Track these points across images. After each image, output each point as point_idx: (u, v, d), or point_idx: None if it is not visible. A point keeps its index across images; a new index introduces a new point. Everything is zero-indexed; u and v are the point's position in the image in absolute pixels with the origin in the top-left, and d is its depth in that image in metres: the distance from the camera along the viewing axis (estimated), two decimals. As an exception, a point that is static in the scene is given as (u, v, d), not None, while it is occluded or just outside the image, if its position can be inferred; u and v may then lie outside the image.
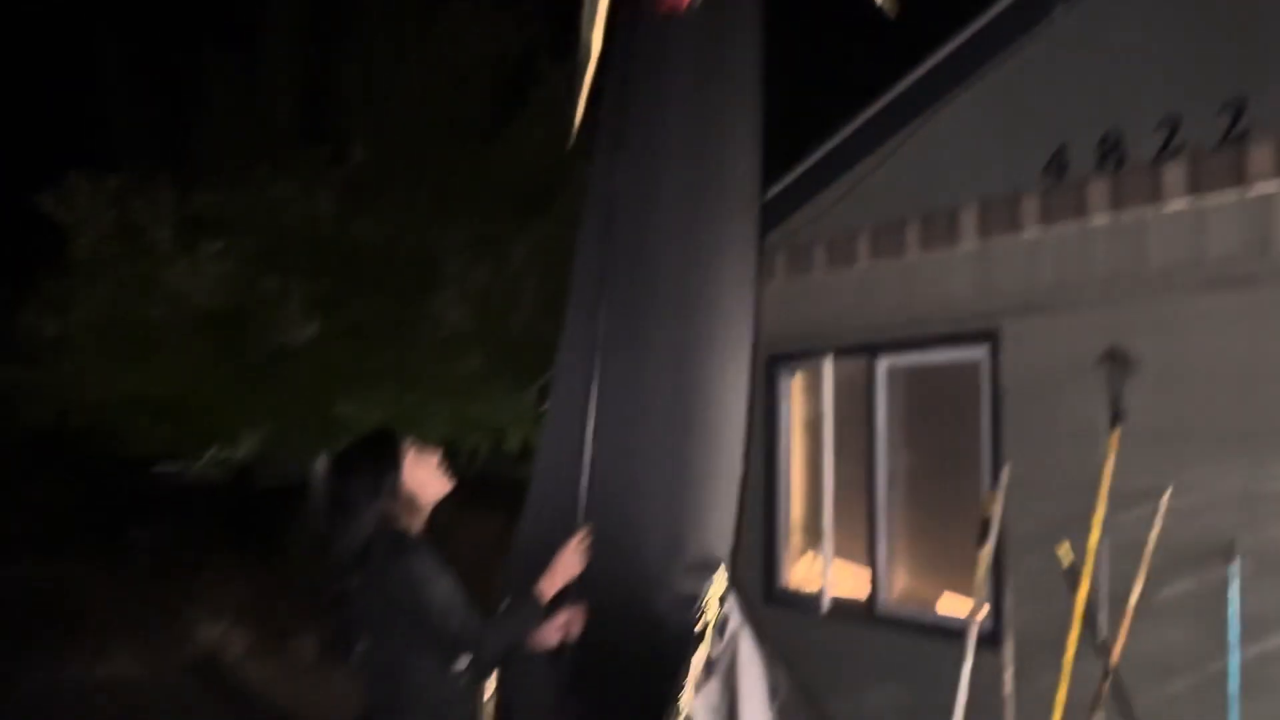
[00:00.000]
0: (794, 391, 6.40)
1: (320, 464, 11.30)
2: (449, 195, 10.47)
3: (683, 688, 3.07)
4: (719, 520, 3.34)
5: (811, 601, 5.84)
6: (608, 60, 3.47)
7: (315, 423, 9.91)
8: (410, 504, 2.82)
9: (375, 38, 10.64)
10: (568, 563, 3.05)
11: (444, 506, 3.14)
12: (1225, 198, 3.79)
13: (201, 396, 9.35)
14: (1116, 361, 4.32)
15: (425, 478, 2.85)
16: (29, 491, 16.66)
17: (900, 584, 5.64)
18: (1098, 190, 4.17)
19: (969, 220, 4.62)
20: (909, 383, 5.62)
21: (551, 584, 3.01)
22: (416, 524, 2.85)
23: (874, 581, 5.61)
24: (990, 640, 4.77)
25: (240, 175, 9.26)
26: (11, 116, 14.98)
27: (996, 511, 4.73)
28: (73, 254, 8.92)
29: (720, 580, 3.25)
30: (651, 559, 3.21)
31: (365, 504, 2.75)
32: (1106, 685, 4.14)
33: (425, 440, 3.02)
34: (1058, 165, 4.60)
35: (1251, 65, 4.05)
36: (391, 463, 2.81)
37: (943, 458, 5.48)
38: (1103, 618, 4.29)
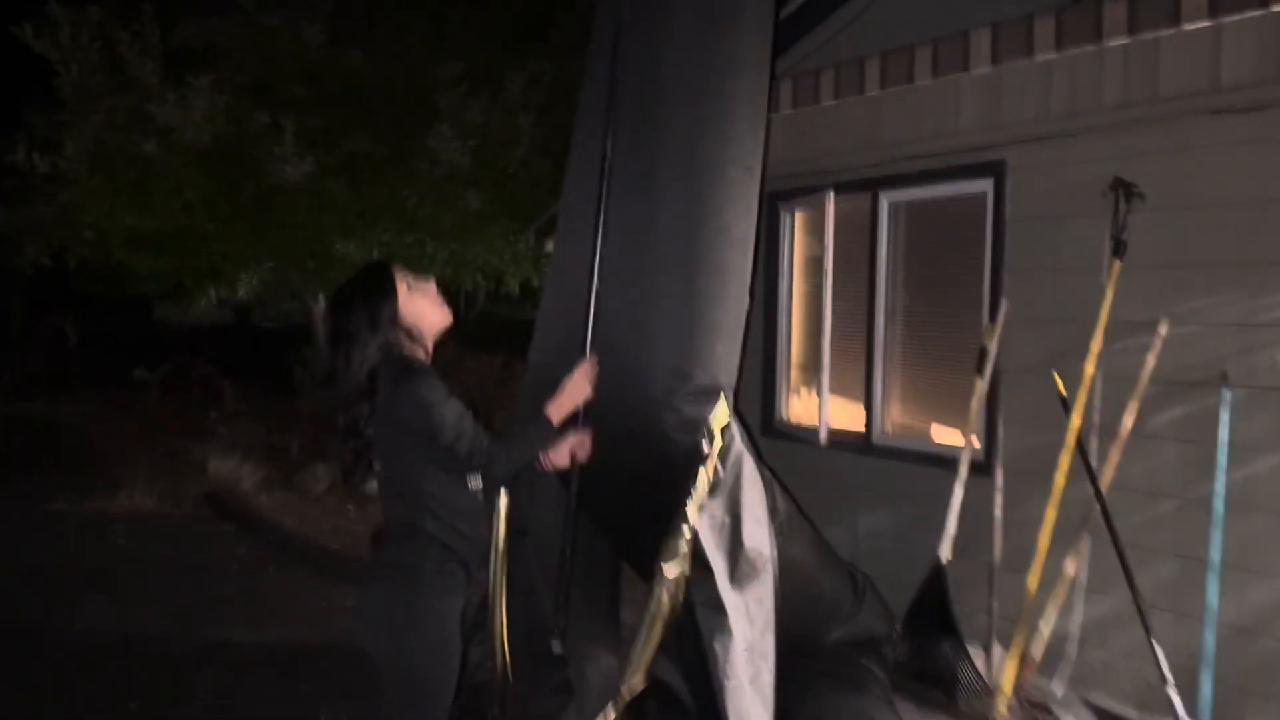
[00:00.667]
0: (796, 228, 6.37)
1: (321, 303, 11.35)
2: (443, 25, 10.16)
3: (688, 507, 3.17)
4: (724, 350, 3.40)
5: (809, 433, 5.96)
6: None
7: (314, 262, 9.89)
8: (411, 333, 2.85)
9: None
10: (576, 388, 3.11)
11: (446, 346, 3.17)
12: (1245, 16, 3.68)
13: (199, 234, 9.30)
14: (1122, 191, 4.30)
15: (423, 306, 2.87)
16: (35, 334, 16.80)
17: (896, 416, 5.75)
18: (1114, 10, 4.04)
19: (981, 43, 4.49)
20: (912, 218, 5.59)
21: (560, 408, 3.07)
22: (419, 355, 2.89)
23: (870, 413, 5.72)
24: (983, 468, 4.92)
25: (227, 5, 8.95)
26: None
27: (994, 343, 4.79)
28: (59, 89, 8.70)
29: (724, 407, 3.33)
30: (658, 385, 3.27)
31: (366, 335, 2.79)
32: (1095, 509, 4.28)
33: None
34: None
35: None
36: (388, 292, 2.83)
37: (943, 293, 5.50)
38: (1094, 445, 4.40)
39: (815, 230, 6.11)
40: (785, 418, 6.42)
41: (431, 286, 2.94)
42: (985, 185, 4.99)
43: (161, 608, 6.20)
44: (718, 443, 3.27)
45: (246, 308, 14.85)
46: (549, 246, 8.38)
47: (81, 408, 14.88)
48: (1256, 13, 3.59)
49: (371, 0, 9.76)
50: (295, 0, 9.30)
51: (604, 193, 3.41)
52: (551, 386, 3.25)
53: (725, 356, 3.42)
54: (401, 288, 2.85)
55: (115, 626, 5.82)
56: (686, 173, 3.43)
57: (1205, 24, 3.82)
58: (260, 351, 17.05)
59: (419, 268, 10.03)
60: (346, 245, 9.45)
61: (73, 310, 16.28)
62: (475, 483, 2.87)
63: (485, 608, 3.50)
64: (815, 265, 6.10)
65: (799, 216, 6.31)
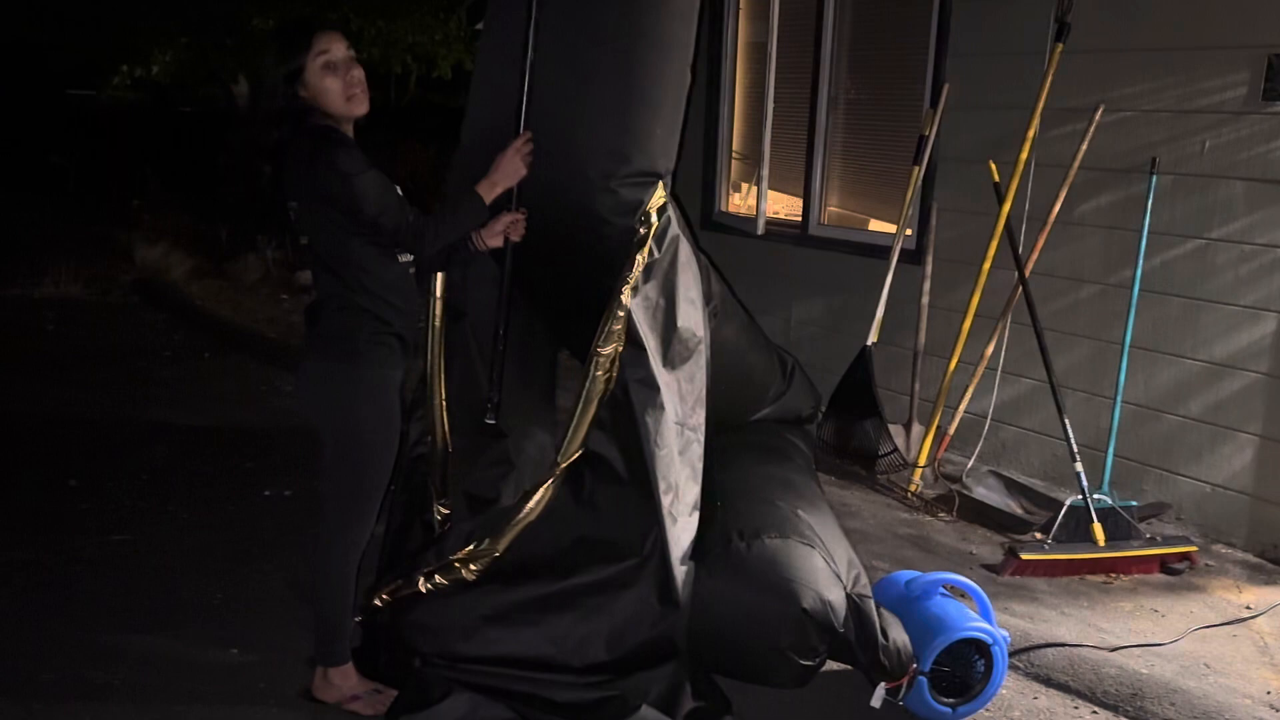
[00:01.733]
0: (741, 8, 6.17)
1: (242, 84, 10.84)
2: None
3: (623, 288, 3.18)
4: (662, 134, 3.32)
5: (747, 223, 5.98)
6: None
7: (232, 40, 9.37)
8: (316, 104, 2.73)
9: None
10: (509, 165, 3.04)
11: (376, 133, 3.05)
12: None
13: (111, 8, 8.70)
14: (1069, -27, 4.21)
15: (328, 84, 2.72)
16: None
17: (834, 206, 5.78)
18: None
19: None
20: (858, 3, 5.44)
21: (493, 185, 3.02)
22: (345, 125, 2.78)
23: (808, 204, 5.74)
24: (915, 255, 5.00)
25: None
26: None
27: (933, 130, 4.78)
28: None
29: (661, 191, 3.29)
30: (594, 166, 3.20)
31: (272, 85, 2.69)
32: (1018, 294, 4.41)
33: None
34: None
35: None
36: (298, 46, 2.70)
37: (887, 80, 5.43)
38: (1022, 232, 4.48)
39: (760, 13, 5.93)
40: (724, 209, 6.42)
41: (355, 73, 2.78)
42: (933, -36, 4.86)
43: (98, 391, 6.18)
44: (654, 225, 3.26)
45: (164, 89, 14.10)
46: (481, 24, 8.04)
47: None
48: None
49: None
50: None
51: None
52: (484, 165, 3.17)
53: (664, 139, 3.35)
54: (314, 60, 2.70)
55: (50, 408, 5.81)
56: None
57: None
58: (181, 137, 16.31)
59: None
60: (265, 20, 8.94)
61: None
62: (405, 255, 2.84)
63: (424, 384, 3.54)
64: (759, 50, 5.95)
65: (743, 5, 6.12)
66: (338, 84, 2.74)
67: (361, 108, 2.80)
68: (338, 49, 2.75)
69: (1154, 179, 4.06)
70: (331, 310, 2.81)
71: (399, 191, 2.79)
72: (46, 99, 17.88)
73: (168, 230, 10.35)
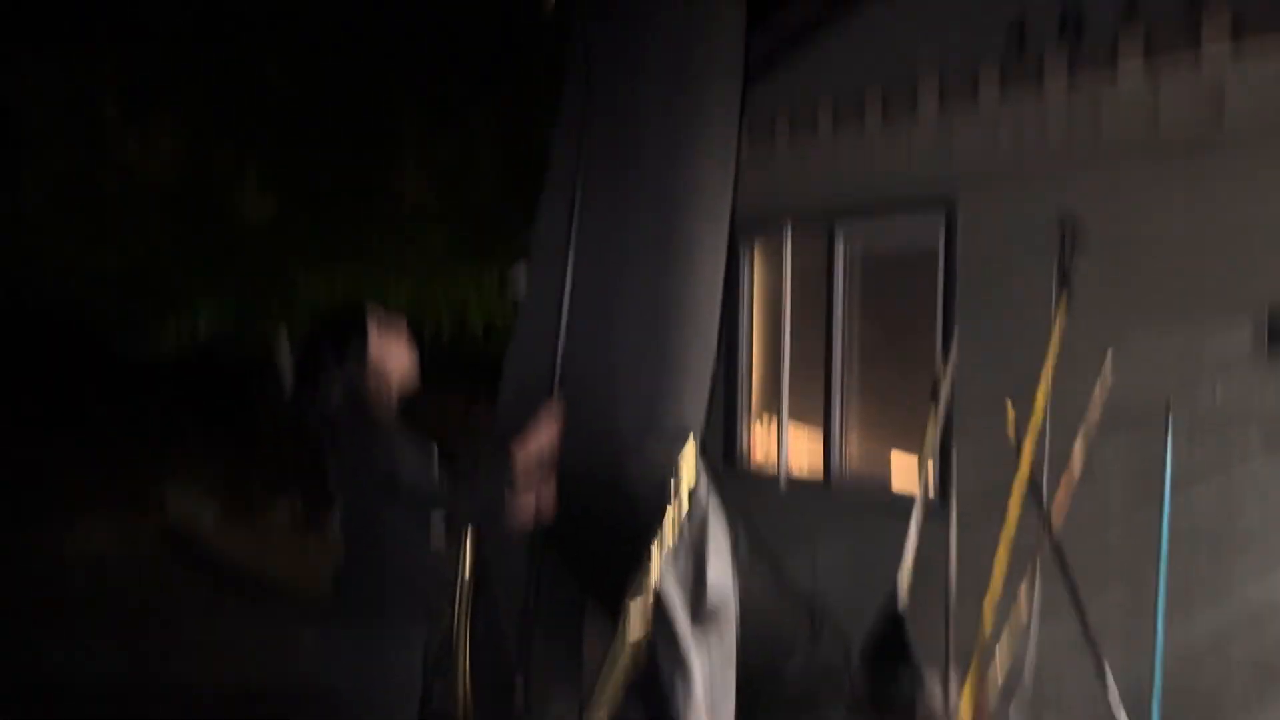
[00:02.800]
0: (755, 262, 6.47)
1: (283, 339, 11.29)
2: (412, 62, 10.21)
3: (653, 546, 3.20)
4: (693, 391, 3.43)
5: (770, 472, 6.04)
6: None
7: (276, 299, 9.87)
8: (377, 373, 2.88)
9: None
10: (543, 430, 3.13)
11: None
12: (1180, 67, 3.83)
13: (160, 270, 9.25)
14: (1067, 229, 4.42)
15: (392, 348, 2.90)
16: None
17: (855, 454, 5.84)
18: (1055, 61, 4.19)
19: (928, 91, 4.64)
20: (868, 253, 5.71)
21: (525, 449, 3.10)
22: (385, 397, 2.92)
23: (829, 452, 5.80)
24: (939, 501, 5.00)
25: (186, 41, 8.95)
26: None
27: (948, 378, 4.90)
28: (20, 127, 8.67)
29: (692, 449, 3.37)
30: (627, 428, 3.29)
31: (332, 372, 2.82)
32: (1046, 541, 4.37)
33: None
34: (1018, 34, 4.60)
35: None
36: (358, 330, 2.87)
37: (900, 328, 5.61)
38: (1044, 478, 4.49)
39: (774, 265, 6.22)
40: (746, 455, 6.49)
41: (401, 323, 2.97)
42: (937, 220, 5.12)
43: (122, 651, 6.11)
44: (685, 484, 3.31)
45: (208, 344, 14.71)
46: (513, 285, 8.44)
47: (38, 448, 14.61)
48: (1190, 64, 3.74)
49: (341, 38, 9.80)
50: (263, 40, 9.33)
51: (573, 234, 3.45)
52: (519, 418, 3.27)
53: (694, 399, 3.45)
54: (372, 326, 2.88)
55: (72, 672, 5.74)
56: (656, 216, 3.47)
57: (1140, 76, 3.97)
58: (222, 388, 16.84)
59: (388, 306, 10.07)
60: (309, 282, 9.44)
61: (31, 346, 16.02)
62: (437, 540, 2.90)
63: (448, 644, 3.51)
64: (774, 300, 6.20)
65: (758, 250, 6.42)
66: (400, 347, 2.92)
67: (415, 368, 2.96)
68: (383, 313, 2.95)
69: (1170, 424, 4.11)
70: (360, 576, 2.85)
71: (435, 456, 2.88)
72: (92, 354, 18.64)
73: (201, 477, 10.53)
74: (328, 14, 9.42)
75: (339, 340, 2.86)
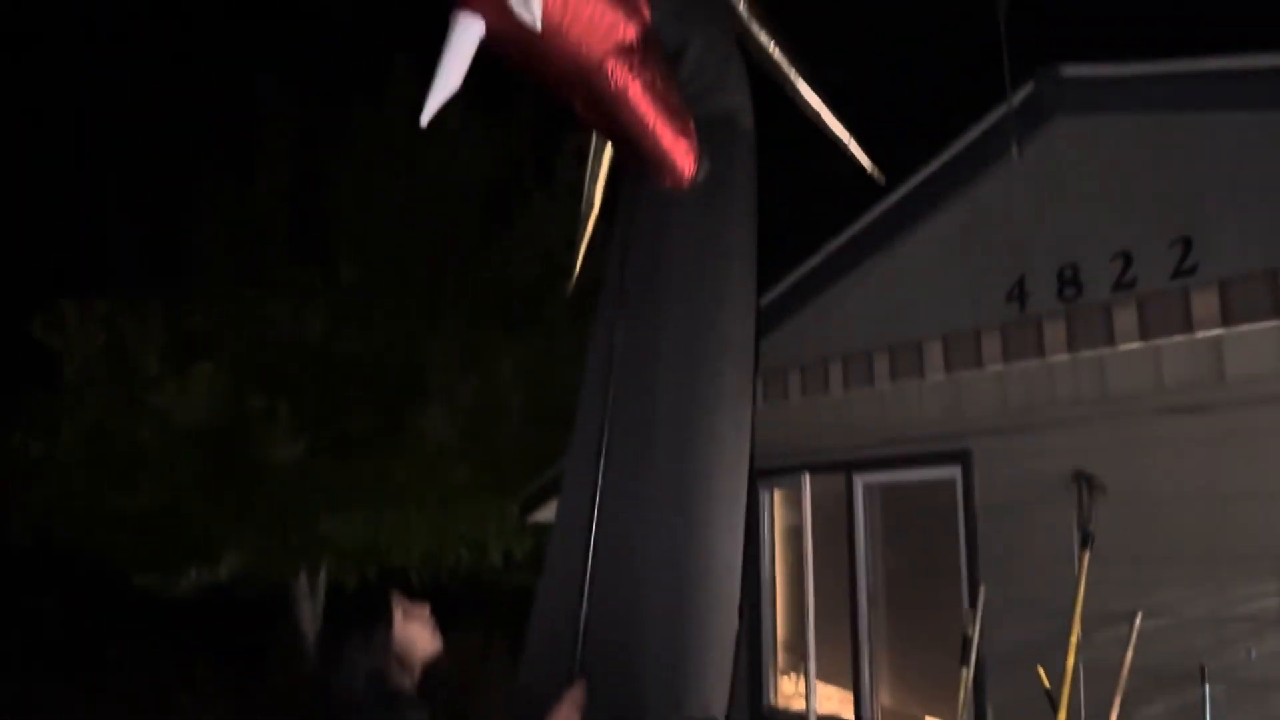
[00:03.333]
0: (775, 507, 6.50)
1: (302, 580, 11.22)
2: (437, 309, 10.65)
3: None
4: (715, 676, 3.39)
5: (797, 721, 5.85)
6: (607, 211, 3.64)
7: (297, 539, 9.89)
8: (401, 660, 2.90)
9: (365, 157, 10.94)
10: (564, 716, 3.09)
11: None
12: (1175, 338, 3.98)
13: (186, 514, 9.34)
14: (1084, 484, 4.46)
15: (416, 634, 2.93)
16: (6, 608, 16.38)
17: (886, 703, 5.66)
18: (1054, 329, 4.37)
19: (934, 354, 4.81)
20: (887, 499, 5.74)
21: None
22: (409, 680, 2.92)
23: (858, 700, 5.63)
24: (974, 762, 4.81)
25: (230, 296, 9.41)
26: (6, 241, 15.20)
27: (975, 631, 4.81)
28: (62, 377, 9.00)
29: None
30: (649, 712, 3.25)
31: (358, 658, 2.83)
32: (1089, 810, 4.17)
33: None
34: (1019, 295, 4.81)
35: (1198, 203, 4.29)
36: (383, 620, 2.90)
37: (922, 573, 5.57)
38: (1083, 740, 4.34)
39: (794, 508, 6.24)
40: (773, 703, 6.30)
41: (425, 611, 3.00)
42: (953, 472, 5.17)
43: None
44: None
45: (226, 584, 14.62)
46: (535, 514, 8.45)
47: (54, 691, 14.28)
48: (1181, 337, 3.89)
49: (370, 286, 10.28)
50: (298, 292, 9.80)
51: (595, 519, 3.50)
52: (540, 703, 3.22)
53: (717, 685, 3.41)
54: (397, 615, 2.92)
55: None
56: (673, 500, 3.52)
57: (1139, 343, 4.12)
58: (236, 624, 16.57)
59: (404, 543, 10.06)
60: (331, 521, 9.49)
61: (52, 587, 16.00)
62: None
63: None
64: (796, 542, 6.18)
65: (778, 496, 6.46)
66: (419, 629, 2.93)
67: (439, 644, 2.96)
68: (406, 601, 2.97)
69: (1206, 688, 4.00)
70: None
71: None
72: (111, 591, 18.52)
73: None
74: (363, 264, 9.92)
75: (365, 632, 2.88)
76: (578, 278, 4.39)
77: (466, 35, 3.01)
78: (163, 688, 13.46)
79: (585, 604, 3.33)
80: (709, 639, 3.34)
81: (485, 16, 3.01)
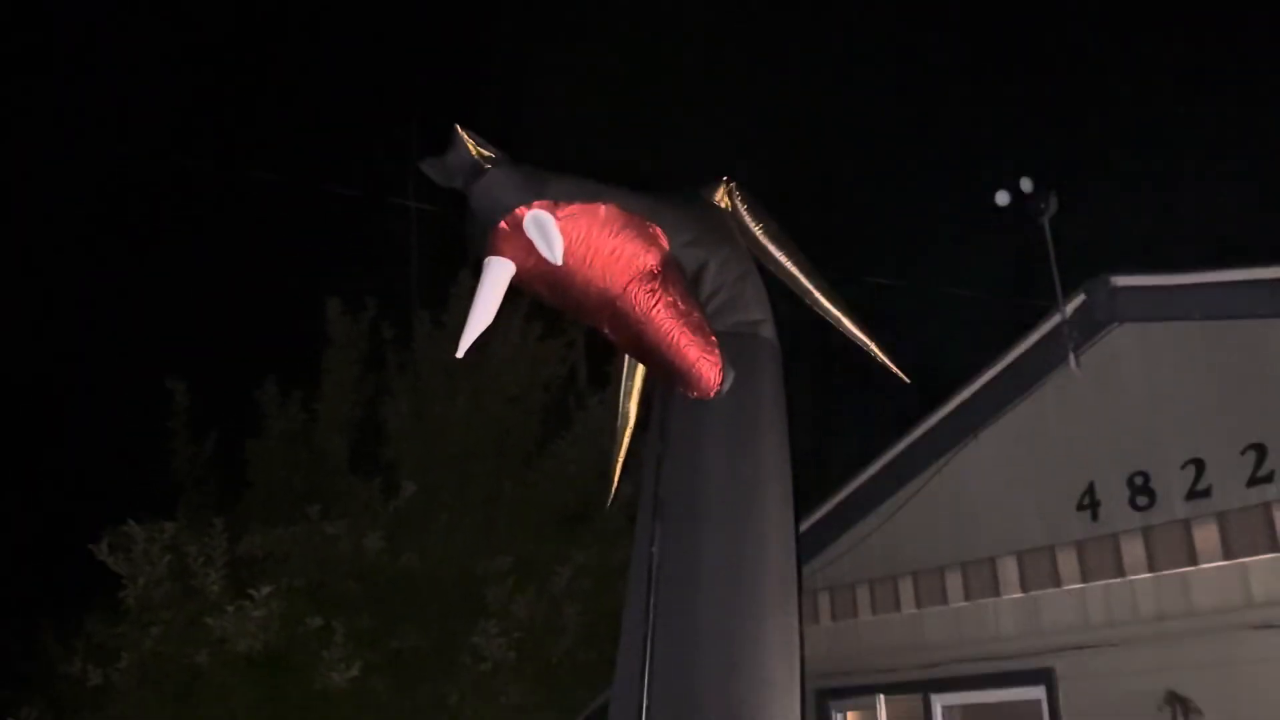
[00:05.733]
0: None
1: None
2: (492, 521, 10.64)
3: None
4: None
5: None
6: (643, 424, 3.73)
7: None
8: None
9: (425, 371, 11.22)
10: None
11: None
12: (1259, 555, 3.84)
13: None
14: (1178, 707, 4.22)
15: None
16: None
17: None
18: (1132, 547, 4.26)
19: (1009, 570, 4.68)
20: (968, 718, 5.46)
21: None
22: None
23: None
24: None
25: (292, 514, 9.46)
26: (72, 460, 15.65)
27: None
28: (124, 601, 8.98)
29: None
30: None
31: None
32: None
33: None
34: (1090, 505, 4.70)
35: (1266, 409, 4.23)
36: None
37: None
38: None
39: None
40: None
41: None
42: (1037, 692, 4.93)
43: None
44: None
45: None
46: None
47: None
48: (1268, 555, 3.76)
49: (427, 502, 10.32)
50: (358, 508, 9.84)
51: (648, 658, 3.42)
52: None
53: None
54: None
55: None
56: (723, 711, 3.45)
57: (1218, 548, 3.99)
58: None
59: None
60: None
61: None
62: None
63: None
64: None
65: (850, 717, 6.17)
66: None
67: None
68: None
69: None
70: None
71: None
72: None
73: None
74: (421, 479, 9.99)
75: None
76: (626, 491, 4.42)
77: (498, 275, 3.30)
78: None
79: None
80: None
81: (514, 258, 3.28)
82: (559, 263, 3.25)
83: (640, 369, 4.08)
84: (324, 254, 16.14)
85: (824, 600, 5.79)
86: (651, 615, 3.58)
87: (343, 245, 15.99)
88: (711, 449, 3.71)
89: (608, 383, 11.30)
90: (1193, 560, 3.98)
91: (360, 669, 8.58)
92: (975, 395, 5.35)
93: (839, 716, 6.16)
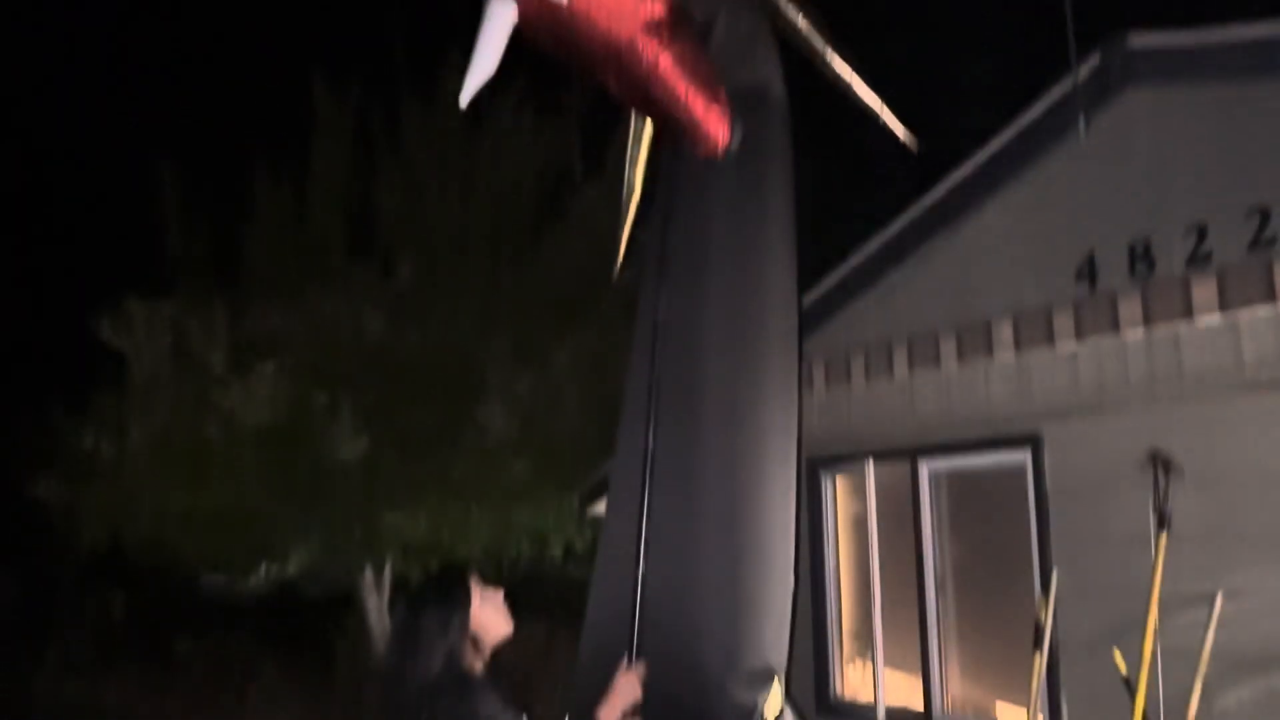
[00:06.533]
0: (839, 495, 6.43)
1: (367, 573, 11.36)
2: (492, 305, 10.72)
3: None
4: (773, 630, 3.41)
5: (866, 712, 5.78)
6: (648, 196, 3.69)
7: (362, 534, 10.02)
8: (475, 642, 2.92)
9: (418, 154, 11.04)
10: (626, 690, 3.10)
11: None
12: (1256, 311, 3.86)
13: (253, 511, 9.49)
14: (1160, 465, 4.34)
15: (490, 617, 2.95)
16: (79, 607, 16.83)
17: (956, 691, 5.58)
18: (1129, 305, 4.26)
19: (1003, 334, 4.72)
20: (953, 485, 5.64)
21: (611, 711, 3.06)
22: (480, 662, 2.94)
23: (928, 689, 5.55)
24: (1049, 749, 4.72)
25: (291, 295, 9.53)
26: (69, 242, 15.59)
27: (1048, 617, 4.72)
28: (130, 378, 9.17)
29: (777, 690, 3.29)
30: (709, 670, 3.27)
31: (434, 642, 2.85)
32: (1172, 798, 4.07)
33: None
34: (1089, 272, 4.70)
35: (1274, 172, 4.16)
36: (461, 602, 2.92)
37: (991, 560, 5.47)
38: (1163, 726, 4.24)
39: (858, 496, 6.17)
40: (839, 693, 6.24)
41: (499, 596, 3.02)
42: (1023, 457, 5.07)
43: None
44: (771, 722, 3.22)
45: (292, 580, 14.89)
46: (593, 508, 8.48)
47: (124, 689, 14.63)
48: (1263, 309, 3.77)
49: (427, 285, 10.37)
50: (356, 289, 9.90)
51: (647, 484, 3.53)
52: (603, 668, 3.25)
53: (775, 638, 3.42)
54: (475, 597, 2.94)
55: None
56: (724, 464, 3.56)
57: (1218, 317, 4.01)
58: (304, 622, 16.86)
59: (465, 537, 10.15)
60: (395, 515, 9.59)
61: (120, 583, 16.39)
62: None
63: None
64: (860, 530, 6.12)
65: (840, 483, 6.39)
66: (495, 611, 2.96)
67: (511, 624, 2.99)
68: (482, 585, 3.00)
69: (1294, 672, 3.88)
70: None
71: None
72: (180, 589, 18.94)
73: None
74: (419, 263, 10.00)
75: (442, 612, 2.91)
76: (628, 268, 4.42)
77: (500, 19, 3.13)
78: (232, 684, 13.73)
79: (641, 569, 3.35)
80: (765, 599, 3.34)
81: (517, 1, 3.11)
82: (564, 1, 3.10)
83: (646, 138, 3.99)
84: (311, 34, 15.55)
85: (819, 369, 5.88)
86: (656, 372, 3.64)
87: (329, 26, 15.40)
88: (718, 207, 3.68)
89: (604, 169, 11.14)
90: (1188, 315, 4.00)
91: (368, 444, 8.86)
92: (980, 166, 5.25)
93: (829, 482, 6.39)
